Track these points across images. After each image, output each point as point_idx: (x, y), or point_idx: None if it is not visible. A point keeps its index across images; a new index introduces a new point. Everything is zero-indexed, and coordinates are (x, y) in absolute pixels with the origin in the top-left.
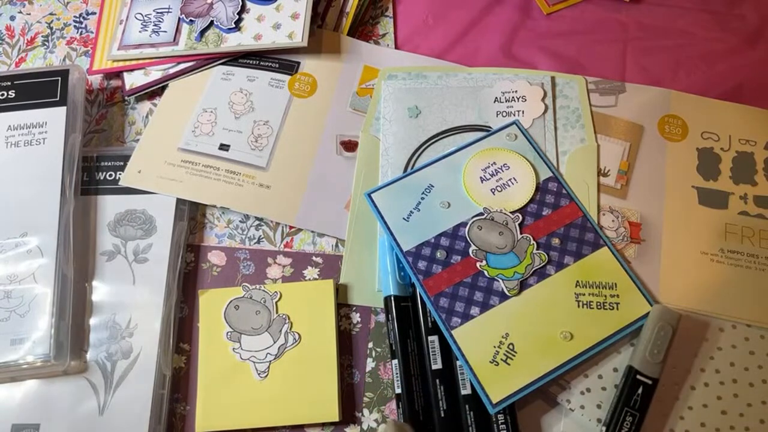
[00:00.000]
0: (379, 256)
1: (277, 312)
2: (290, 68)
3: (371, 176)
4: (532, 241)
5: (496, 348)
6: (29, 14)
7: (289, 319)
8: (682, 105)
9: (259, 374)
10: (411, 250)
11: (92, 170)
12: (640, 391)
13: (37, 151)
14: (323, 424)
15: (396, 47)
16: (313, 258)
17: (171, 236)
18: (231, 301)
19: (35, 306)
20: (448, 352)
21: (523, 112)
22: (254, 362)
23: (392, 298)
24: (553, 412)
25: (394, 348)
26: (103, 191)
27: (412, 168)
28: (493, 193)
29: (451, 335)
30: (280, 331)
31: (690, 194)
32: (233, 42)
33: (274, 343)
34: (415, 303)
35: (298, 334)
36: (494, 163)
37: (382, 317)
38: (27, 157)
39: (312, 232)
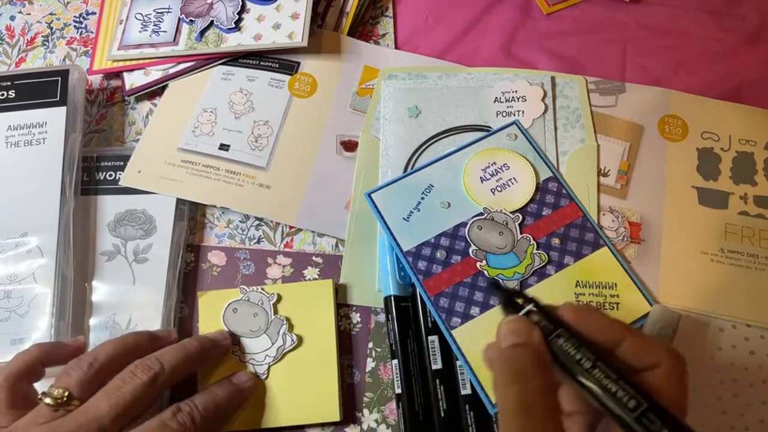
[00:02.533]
0: (379, 256)
1: (275, 314)
2: (290, 68)
3: (371, 176)
4: (532, 241)
5: None
6: (29, 14)
7: (287, 320)
8: (682, 105)
9: (258, 376)
10: (411, 250)
11: (92, 170)
12: None
13: (37, 151)
14: (323, 424)
15: (396, 47)
16: (313, 258)
17: (171, 236)
18: (229, 304)
19: (35, 306)
20: (448, 352)
21: (523, 112)
22: (254, 364)
23: (392, 298)
24: None
25: (394, 348)
26: (103, 191)
27: (412, 168)
28: (493, 193)
29: (451, 335)
30: (278, 332)
31: (690, 194)
32: (233, 42)
33: (273, 344)
34: (415, 303)
35: (297, 335)
36: (494, 163)
37: (382, 317)
38: (27, 157)
39: (312, 232)
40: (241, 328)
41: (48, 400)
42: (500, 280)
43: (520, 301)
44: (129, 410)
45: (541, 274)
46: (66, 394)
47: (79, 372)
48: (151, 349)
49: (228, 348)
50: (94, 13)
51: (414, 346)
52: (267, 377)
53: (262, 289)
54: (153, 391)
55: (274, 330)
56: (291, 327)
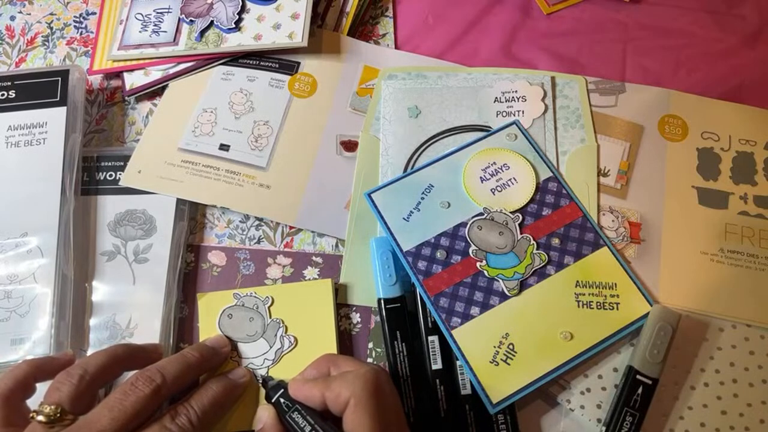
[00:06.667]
0: (371, 259)
1: (270, 317)
2: (290, 68)
3: (371, 176)
4: (532, 241)
5: (496, 348)
6: (29, 14)
7: (283, 323)
8: (682, 105)
9: (257, 379)
10: (411, 250)
11: (92, 170)
12: (640, 391)
13: (37, 151)
14: None
15: (396, 47)
16: (313, 258)
17: (171, 236)
18: (224, 310)
19: (35, 306)
20: (448, 352)
21: (523, 112)
22: (253, 369)
23: (380, 300)
24: (553, 412)
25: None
26: (103, 191)
27: (412, 168)
28: (493, 193)
29: (451, 335)
30: (275, 335)
31: (690, 194)
32: (233, 42)
33: (271, 348)
34: (405, 303)
35: (294, 337)
36: (494, 163)
37: None
38: (27, 157)
39: (312, 232)
40: (237, 333)
41: (41, 418)
42: (261, 375)
43: (272, 392)
44: (131, 423)
45: (541, 274)
46: (59, 410)
47: (69, 385)
48: (139, 360)
49: (228, 355)
50: (94, 13)
51: (402, 347)
52: None
53: (256, 292)
54: (154, 402)
55: (271, 333)
56: (286, 330)
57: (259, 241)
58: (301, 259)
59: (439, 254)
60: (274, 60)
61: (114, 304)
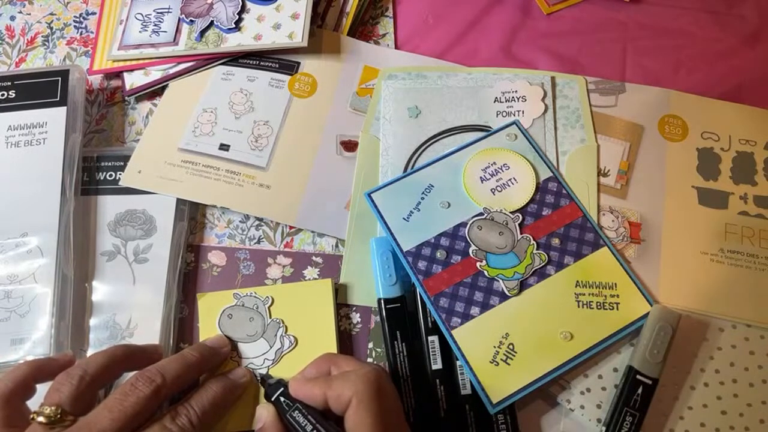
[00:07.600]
0: (371, 259)
1: (270, 317)
2: (290, 68)
3: (371, 176)
4: (532, 241)
5: (496, 348)
6: (29, 14)
7: (283, 323)
8: (682, 105)
9: (257, 378)
10: (411, 250)
11: (92, 170)
12: (640, 391)
13: (37, 151)
14: None
15: (396, 47)
16: (313, 258)
17: (171, 236)
18: (224, 310)
19: (35, 306)
20: (448, 352)
21: (523, 112)
22: (253, 369)
23: (380, 300)
24: (553, 412)
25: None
26: (103, 191)
27: (412, 168)
28: (493, 193)
29: (451, 335)
30: (276, 335)
31: (690, 194)
32: (233, 42)
33: (271, 348)
34: (405, 303)
35: (294, 336)
36: (494, 163)
37: None
38: (27, 157)
39: (312, 232)
40: (237, 333)
41: (41, 419)
42: (260, 374)
43: (272, 391)
44: (131, 423)
45: (541, 274)
46: (59, 411)
47: (69, 386)
48: (139, 361)
49: (228, 355)
50: (94, 13)
51: (402, 347)
52: None
53: (256, 292)
54: (154, 403)
55: (271, 333)
56: (286, 330)
57: (259, 241)
58: (301, 259)
59: (439, 254)
60: (274, 60)
61: (114, 304)
